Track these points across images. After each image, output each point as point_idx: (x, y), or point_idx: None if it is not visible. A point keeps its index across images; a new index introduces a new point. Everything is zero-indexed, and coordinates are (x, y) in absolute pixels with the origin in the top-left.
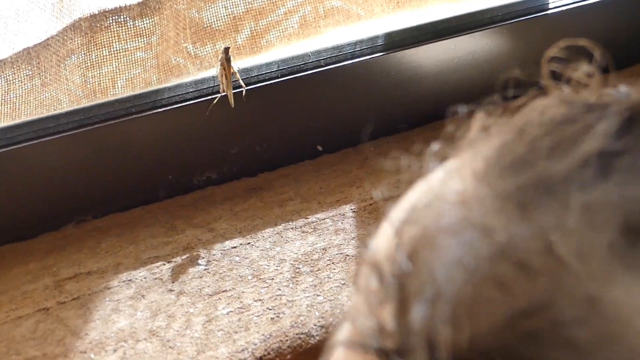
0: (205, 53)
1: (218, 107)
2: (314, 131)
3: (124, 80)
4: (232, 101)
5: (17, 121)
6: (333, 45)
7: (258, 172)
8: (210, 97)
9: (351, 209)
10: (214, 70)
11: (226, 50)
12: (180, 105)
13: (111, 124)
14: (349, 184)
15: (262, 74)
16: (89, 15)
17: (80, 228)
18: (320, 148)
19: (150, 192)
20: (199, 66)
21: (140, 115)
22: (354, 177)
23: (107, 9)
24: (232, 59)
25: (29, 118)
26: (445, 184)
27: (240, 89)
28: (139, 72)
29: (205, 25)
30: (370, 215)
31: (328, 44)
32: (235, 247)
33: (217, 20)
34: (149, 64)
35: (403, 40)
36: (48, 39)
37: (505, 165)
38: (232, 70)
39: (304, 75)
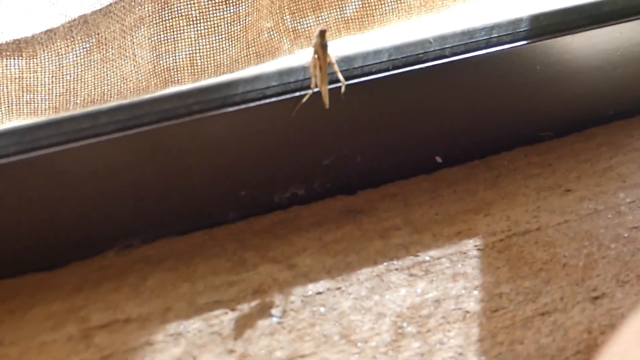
0: (307, 26)
1: (308, 107)
2: (432, 138)
3: (204, 57)
4: (326, 100)
5: (45, 119)
6: (462, 30)
7: (357, 190)
8: (298, 93)
9: (475, 246)
10: (306, 57)
11: (322, 33)
12: (258, 103)
13: (166, 125)
14: (474, 211)
15: (368, 65)
16: None
17: (123, 256)
18: (439, 160)
19: (217, 211)
20: (299, 44)
21: (205, 114)
22: (480, 200)
23: None
24: (328, 45)
25: (74, 111)
26: None
27: (339, 85)
28: (223, 48)
29: None
30: (501, 255)
31: (456, 28)
32: (320, 293)
33: None
34: (236, 38)
35: (553, 25)
36: (110, 4)
37: None
38: (328, 60)
39: (423, 67)
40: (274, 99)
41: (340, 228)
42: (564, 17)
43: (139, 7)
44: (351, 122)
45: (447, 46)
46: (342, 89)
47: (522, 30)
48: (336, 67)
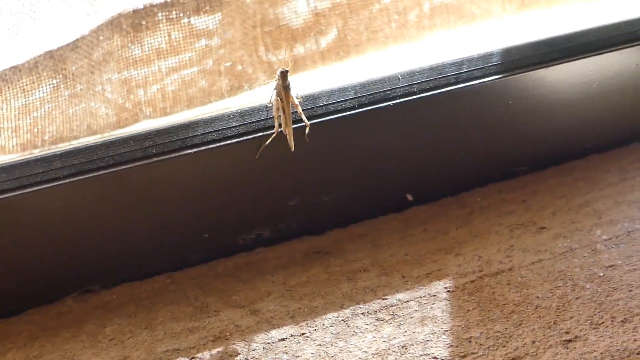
0: (279, 61)
1: (272, 146)
2: (403, 176)
3: (176, 91)
4: (291, 143)
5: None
6: (431, 66)
7: (325, 230)
8: (261, 133)
9: (445, 288)
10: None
11: (283, 75)
12: (219, 144)
13: (123, 169)
14: (445, 250)
15: (334, 103)
16: (131, 10)
17: (82, 302)
18: (410, 197)
19: (179, 255)
20: (274, 75)
21: (163, 157)
22: (452, 240)
23: (154, 3)
24: (290, 86)
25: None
26: None
27: (302, 125)
28: (195, 81)
29: (281, 24)
30: (471, 297)
31: (425, 63)
32: (284, 340)
33: (295, 18)
34: (209, 70)
35: (525, 58)
36: (77, 39)
37: None
38: (291, 101)
39: (391, 105)
40: (235, 140)
41: (306, 271)
42: (536, 50)
43: (107, 42)
44: (317, 161)
45: (415, 82)
46: (306, 131)
47: (493, 64)
48: (299, 109)
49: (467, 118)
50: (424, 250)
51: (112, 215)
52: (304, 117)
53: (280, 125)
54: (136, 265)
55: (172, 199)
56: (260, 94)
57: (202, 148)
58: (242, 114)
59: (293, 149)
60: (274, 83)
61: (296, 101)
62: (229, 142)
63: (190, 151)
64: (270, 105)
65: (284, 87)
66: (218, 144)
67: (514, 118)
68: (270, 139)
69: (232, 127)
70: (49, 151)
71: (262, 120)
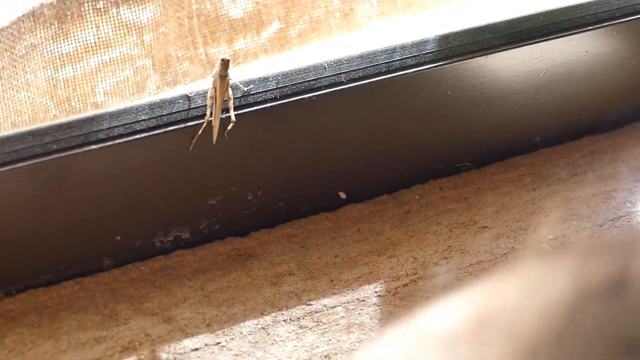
0: (219, 52)
1: (191, 140)
2: (334, 172)
3: (108, 86)
4: (215, 136)
5: None
6: (360, 54)
7: (250, 231)
8: (172, 127)
9: (376, 292)
10: (190, 86)
11: (225, 63)
12: (127, 139)
13: (21, 167)
14: (377, 252)
15: (255, 94)
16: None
17: None
18: (343, 195)
19: (89, 259)
20: (211, 71)
21: (65, 154)
22: (386, 240)
23: None
24: (229, 77)
25: None
26: None
27: (227, 115)
28: (127, 76)
29: (220, 14)
30: (403, 303)
31: (358, 50)
32: (197, 350)
33: (234, 7)
34: (140, 65)
35: (464, 45)
36: None
37: None
38: (225, 93)
39: (317, 95)
40: (145, 135)
41: (227, 275)
42: (476, 36)
43: (29, 34)
44: (240, 156)
45: (343, 71)
46: (229, 127)
47: (428, 52)
48: (231, 103)
49: (402, 110)
50: (355, 252)
51: (13, 218)
52: (232, 113)
53: (210, 116)
54: (42, 271)
55: (79, 198)
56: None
57: (108, 143)
58: (152, 106)
59: (214, 142)
60: (213, 70)
61: (231, 93)
62: (138, 136)
63: (94, 147)
64: (191, 95)
65: (220, 76)
66: (126, 139)
67: (454, 110)
68: (202, 129)
69: (141, 120)
70: None
71: (174, 112)
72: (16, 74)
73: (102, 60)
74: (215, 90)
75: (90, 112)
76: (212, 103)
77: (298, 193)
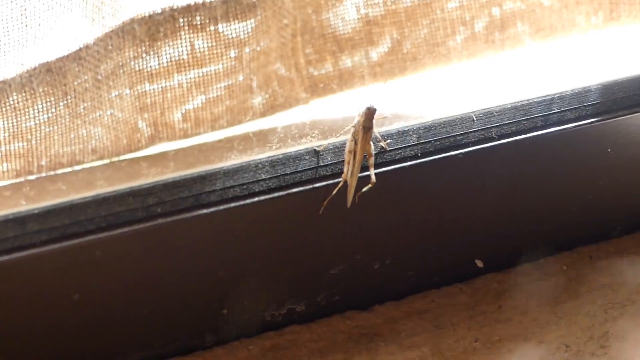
0: (325, 72)
1: (311, 201)
2: (472, 236)
3: (199, 110)
4: (350, 197)
5: None
6: (513, 104)
7: (374, 304)
8: (295, 189)
9: None
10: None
11: (369, 112)
12: (243, 202)
13: (118, 233)
14: (524, 336)
15: (391, 151)
16: (146, 15)
17: None
18: (479, 264)
19: (191, 335)
20: (316, 93)
21: (170, 218)
22: (532, 322)
23: (174, 7)
24: (374, 128)
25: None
26: None
27: (366, 175)
28: (222, 99)
29: (326, 32)
30: None
31: (505, 101)
32: None
33: (343, 25)
34: (239, 86)
35: (632, 96)
36: (79, 49)
37: None
38: (366, 147)
39: (462, 152)
40: (264, 197)
41: (349, 358)
42: None
43: (117, 52)
44: (370, 221)
45: (493, 125)
46: (365, 188)
47: (589, 103)
48: (372, 160)
49: (554, 168)
50: (498, 335)
51: (106, 289)
52: (372, 171)
53: (347, 176)
54: (135, 347)
55: (183, 267)
56: (299, 114)
57: (222, 207)
58: (273, 163)
59: (349, 205)
60: (354, 120)
61: (372, 149)
62: (257, 199)
63: (205, 211)
64: (319, 149)
65: (363, 127)
66: (242, 202)
67: (612, 170)
68: (336, 189)
69: (261, 180)
70: (22, 210)
71: (300, 171)
72: (100, 96)
73: (194, 80)
74: (356, 144)
75: (201, 169)
76: (351, 159)
77: (430, 260)
